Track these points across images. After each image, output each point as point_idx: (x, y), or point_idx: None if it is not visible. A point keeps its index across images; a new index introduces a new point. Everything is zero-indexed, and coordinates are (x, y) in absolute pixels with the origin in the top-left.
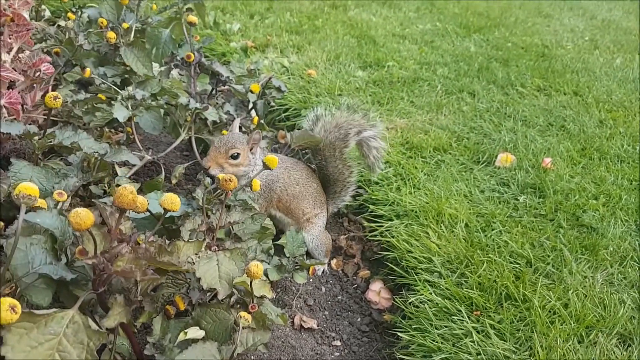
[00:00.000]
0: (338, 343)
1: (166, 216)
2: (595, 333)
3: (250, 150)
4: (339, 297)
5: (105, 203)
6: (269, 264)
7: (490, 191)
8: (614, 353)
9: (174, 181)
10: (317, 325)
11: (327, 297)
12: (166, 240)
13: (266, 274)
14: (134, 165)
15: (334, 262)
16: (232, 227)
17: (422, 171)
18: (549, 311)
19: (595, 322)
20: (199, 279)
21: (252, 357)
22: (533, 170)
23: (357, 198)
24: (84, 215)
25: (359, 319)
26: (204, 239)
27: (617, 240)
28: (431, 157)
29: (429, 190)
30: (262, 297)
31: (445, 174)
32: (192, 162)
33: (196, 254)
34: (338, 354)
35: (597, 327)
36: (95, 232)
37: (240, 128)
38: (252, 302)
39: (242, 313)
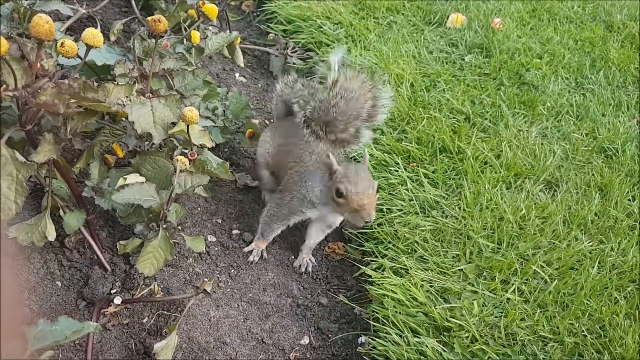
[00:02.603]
0: None
1: (98, 64)
2: (523, 179)
3: None
4: None
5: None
6: (214, 123)
7: (438, 52)
8: (539, 197)
9: (112, 38)
10: None
11: None
12: (95, 83)
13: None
14: (68, 19)
15: None
16: (172, 82)
17: (373, 32)
18: (482, 161)
19: (524, 170)
20: (132, 123)
21: (199, 209)
22: (482, 31)
23: (307, 61)
24: None
25: None
26: (135, 83)
27: (555, 96)
28: (383, 18)
29: (378, 51)
30: (202, 146)
31: (396, 35)
32: (131, 18)
33: (127, 97)
34: None
35: (525, 174)
36: (15, 66)
37: None
38: (192, 150)
39: (179, 157)
